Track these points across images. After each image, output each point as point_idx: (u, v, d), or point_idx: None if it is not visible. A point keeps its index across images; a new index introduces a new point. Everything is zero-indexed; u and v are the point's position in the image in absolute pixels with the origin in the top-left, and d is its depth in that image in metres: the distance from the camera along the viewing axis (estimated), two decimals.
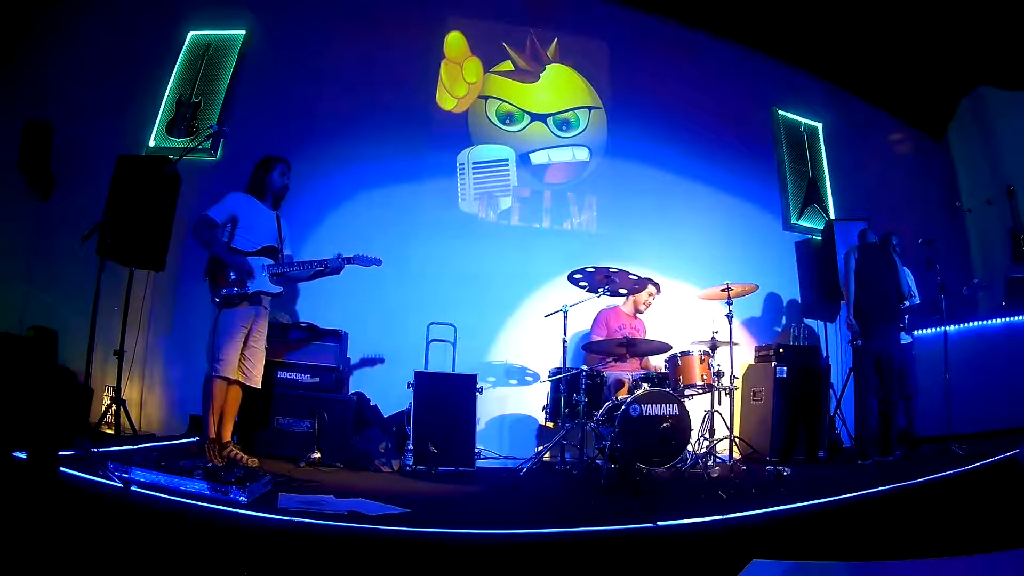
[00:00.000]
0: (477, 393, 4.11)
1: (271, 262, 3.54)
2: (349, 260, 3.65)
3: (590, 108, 5.73)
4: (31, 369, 3.72)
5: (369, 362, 4.71)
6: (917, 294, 4.81)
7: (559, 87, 5.73)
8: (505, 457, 4.50)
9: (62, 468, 2.31)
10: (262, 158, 3.71)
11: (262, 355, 3.58)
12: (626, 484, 3.41)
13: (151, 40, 5.10)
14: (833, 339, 5.70)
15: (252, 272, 3.45)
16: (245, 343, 3.47)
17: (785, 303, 5.73)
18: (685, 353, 4.10)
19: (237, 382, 3.46)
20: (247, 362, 3.49)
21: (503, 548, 2.15)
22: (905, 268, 4.86)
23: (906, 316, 4.69)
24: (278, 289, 3.57)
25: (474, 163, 5.41)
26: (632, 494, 3.23)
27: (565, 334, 4.20)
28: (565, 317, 4.20)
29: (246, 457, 3.39)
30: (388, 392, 4.35)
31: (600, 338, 4.58)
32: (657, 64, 5.86)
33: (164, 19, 5.15)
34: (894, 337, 4.44)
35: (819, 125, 6.38)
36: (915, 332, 4.93)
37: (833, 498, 2.79)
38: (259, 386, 3.57)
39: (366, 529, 2.16)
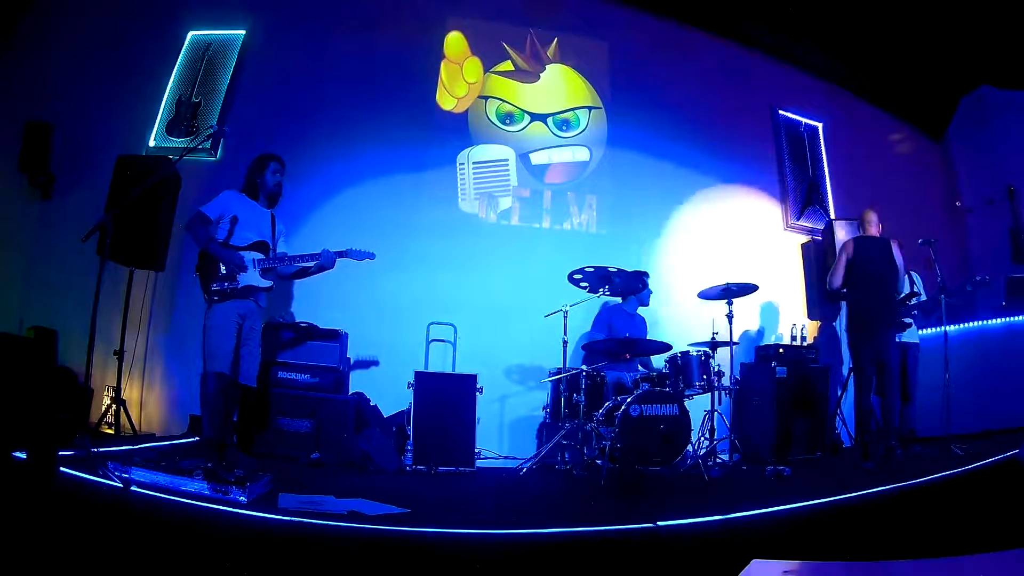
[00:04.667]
0: (477, 393, 4.11)
1: (262, 256, 3.54)
2: (341, 254, 3.63)
3: (590, 108, 5.73)
4: (31, 369, 3.72)
5: (369, 362, 4.71)
6: (924, 292, 4.81)
7: (559, 87, 5.73)
8: (505, 457, 4.50)
9: (62, 468, 2.31)
10: (256, 157, 3.71)
11: (257, 353, 3.57)
12: (626, 484, 3.41)
13: (151, 40, 5.10)
14: (833, 339, 5.69)
15: (243, 266, 3.44)
16: (239, 341, 3.46)
17: (786, 303, 5.73)
18: (685, 353, 4.10)
19: (232, 380, 3.45)
20: (241, 361, 3.47)
21: (503, 548, 2.15)
22: (913, 272, 4.86)
23: (914, 312, 4.68)
24: (268, 283, 3.55)
25: (474, 163, 5.41)
26: (632, 494, 3.23)
27: (565, 334, 4.21)
28: (565, 317, 4.21)
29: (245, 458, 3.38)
30: (388, 392, 4.35)
31: (601, 336, 4.58)
32: (657, 64, 5.86)
33: (164, 19, 5.15)
34: (893, 340, 4.31)
35: (819, 125, 6.38)
36: (919, 332, 4.92)
37: (833, 498, 2.79)
38: (254, 385, 3.55)
39: (366, 529, 2.17)
